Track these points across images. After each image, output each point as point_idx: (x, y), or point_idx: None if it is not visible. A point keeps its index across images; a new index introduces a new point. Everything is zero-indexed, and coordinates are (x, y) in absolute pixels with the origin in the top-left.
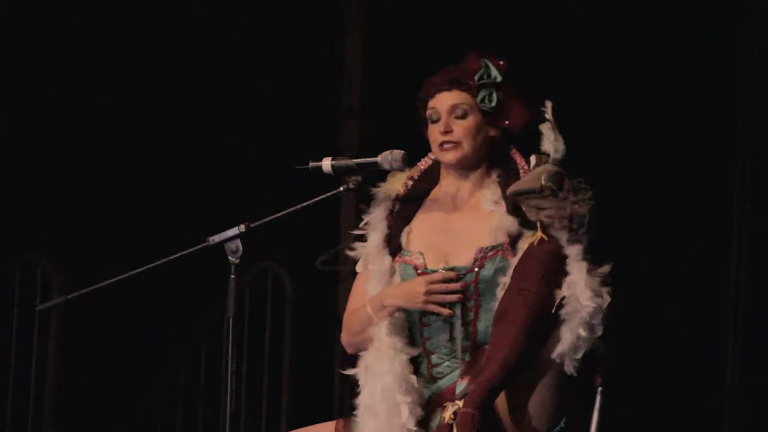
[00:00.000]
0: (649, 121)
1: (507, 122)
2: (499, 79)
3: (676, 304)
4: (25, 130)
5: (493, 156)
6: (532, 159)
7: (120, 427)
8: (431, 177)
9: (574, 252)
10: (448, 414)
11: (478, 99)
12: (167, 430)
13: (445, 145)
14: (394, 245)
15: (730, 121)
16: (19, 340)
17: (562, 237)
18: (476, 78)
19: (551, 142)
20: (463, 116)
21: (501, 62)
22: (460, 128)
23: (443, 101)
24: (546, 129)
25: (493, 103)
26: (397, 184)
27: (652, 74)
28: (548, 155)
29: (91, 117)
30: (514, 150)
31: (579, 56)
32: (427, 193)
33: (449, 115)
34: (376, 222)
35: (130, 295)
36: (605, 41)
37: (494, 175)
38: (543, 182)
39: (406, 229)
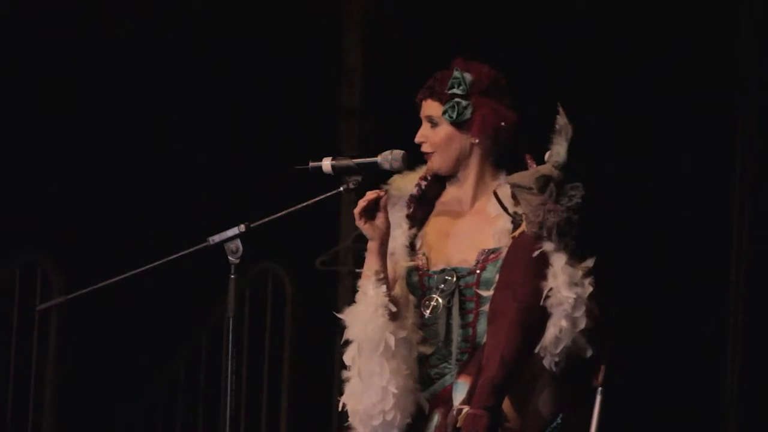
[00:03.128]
0: (650, 120)
1: (472, 133)
2: (466, 88)
3: (676, 304)
4: (25, 130)
5: (501, 160)
6: (546, 156)
7: (120, 427)
8: (441, 178)
9: (551, 246)
10: (460, 418)
11: (442, 110)
12: (167, 430)
13: (425, 154)
14: (412, 245)
15: (730, 121)
16: (19, 340)
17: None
18: (447, 88)
19: (555, 145)
20: (435, 126)
21: (485, 70)
22: (433, 138)
23: (423, 110)
24: (556, 132)
25: (454, 116)
26: (408, 183)
27: (652, 73)
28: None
29: (91, 117)
30: (528, 155)
31: (578, 56)
32: (438, 195)
33: (425, 124)
34: (396, 222)
35: (130, 295)
36: (605, 41)
37: (501, 178)
38: (533, 183)
39: (422, 232)
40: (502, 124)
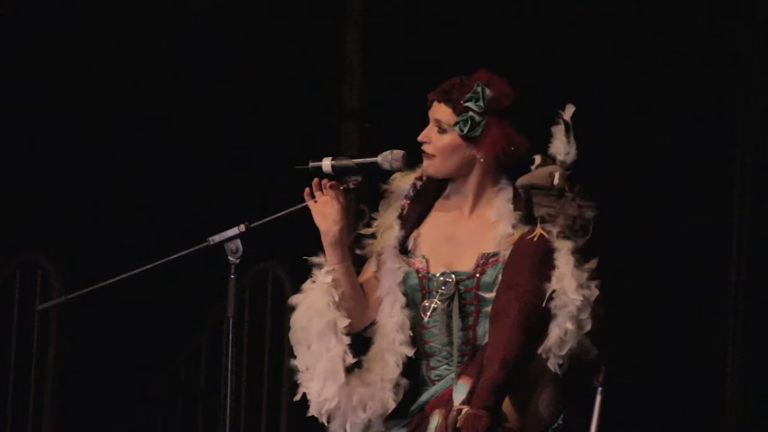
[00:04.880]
0: (650, 120)
1: (478, 150)
2: (483, 105)
3: (677, 304)
4: (25, 130)
5: (499, 173)
6: (537, 158)
7: (120, 426)
8: (439, 179)
9: (563, 247)
10: (460, 418)
11: (454, 122)
12: (167, 430)
13: (424, 154)
14: (403, 247)
15: (730, 121)
16: (19, 340)
17: (553, 231)
18: (464, 100)
19: (563, 144)
20: (443, 131)
21: (506, 90)
22: (437, 142)
23: (433, 112)
24: (558, 131)
25: (466, 130)
26: (405, 183)
27: (652, 72)
28: (553, 158)
29: (91, 116)
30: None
31: (578, 55)
32: (436, 195)
33: (432, 126)
34: (388, 222)
35: (130, 295)
36: (604, 40)
37: (502, 183)
38: (555, 181)
39: (415, 233)
40: (512, 148)
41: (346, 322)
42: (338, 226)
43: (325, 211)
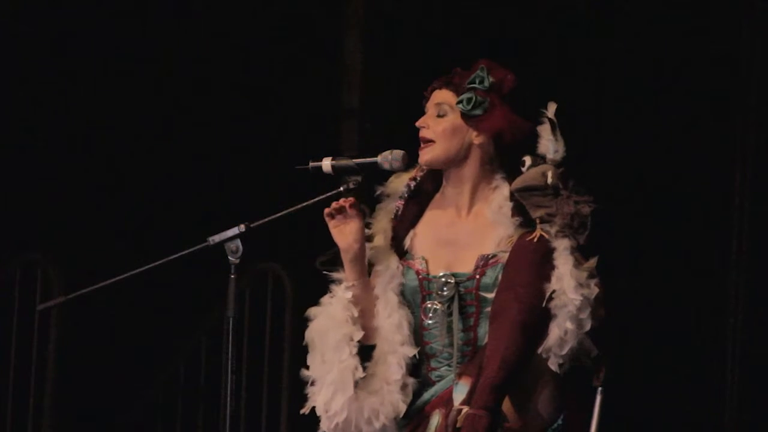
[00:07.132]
0: (650, 120)
1: (479, 129)
2: (487, 85)
3: (677, 303)
4: (26, 130)
5: (495, 165)
6: (527, 160)
7: (120, 426)
8: (434, 177)
9: (561, 246)
10: (460, 418)
11: (457, 100)
12: (167, 430)
13: (422, 144)
14: (398, 247)
15: (730, 121)
16: (19, 340)
17: (552, 231)
18: (467, 82)
19: (551, 143)
20: (443, 115)
21: (509, 76)
22: (437, 126)
23: (434, 98)
24: (545, 130)
25: (469, 107)
26: (401, 185)
27: (652, 71)
28: (543, 157)
29: (92, 117)
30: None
31: (578, 56)
32: (431, 194)
33: (432, 111)
34: (382, 225)
35: (130, 294)
36: (604, 40)
37: (497, 180)
38: (549, 180)
39: (411, 233)
40: (513, 130)
41: (360, 335)
42: (358, 245)
43: (345, 229)
